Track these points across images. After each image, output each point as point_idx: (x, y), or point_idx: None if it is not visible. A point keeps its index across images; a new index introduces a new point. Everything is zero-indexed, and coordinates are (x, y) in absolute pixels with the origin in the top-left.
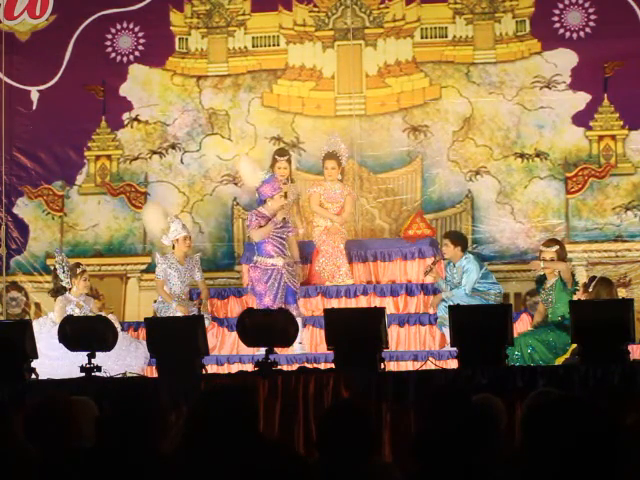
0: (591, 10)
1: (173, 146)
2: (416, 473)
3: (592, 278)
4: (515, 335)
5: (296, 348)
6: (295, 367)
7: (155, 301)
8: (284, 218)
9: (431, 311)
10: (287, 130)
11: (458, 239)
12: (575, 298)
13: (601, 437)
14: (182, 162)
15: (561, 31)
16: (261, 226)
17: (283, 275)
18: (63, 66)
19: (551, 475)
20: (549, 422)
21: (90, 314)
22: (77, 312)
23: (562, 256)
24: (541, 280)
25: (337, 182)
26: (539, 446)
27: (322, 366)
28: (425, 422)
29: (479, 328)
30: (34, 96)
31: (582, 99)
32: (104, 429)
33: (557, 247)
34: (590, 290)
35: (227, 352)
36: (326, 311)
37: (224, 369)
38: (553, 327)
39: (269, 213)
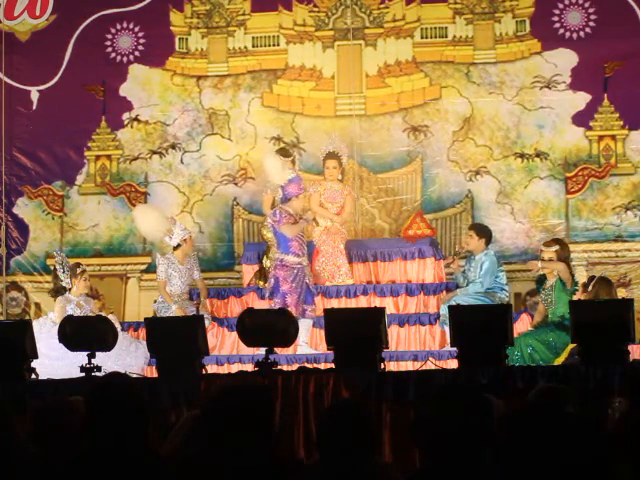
0: (591, 10)
1: (173, 146)
2: (416, 473)
3: (591, 278)
4: (515, 335)
5: (302, 347)
6: (295, 367)
7: (155, 301)
8: (314, 218)
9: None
10: (287, 130)
11: (483, 231)
12: (575, 298)
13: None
14: (182, 162)
15: (561, 31)
16: (292, 223)
17: (306, 275)
18: (63, 66)
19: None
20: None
21: (90, 314)
22: (77, 312)
23: (563, 256)
24: (541, 280)
25: (337, 182)
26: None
27: (322, 366)
28: (428, 416)
29: (479, 328)
30: (34, 96)
31: (582, 99)
32: (90, 429)
33: (557, 247)
34: (589, 290)
35: (227, 352)
36: (326, 311)
37: (224, 369)
38: (553, 327)
39: (293, 212)
